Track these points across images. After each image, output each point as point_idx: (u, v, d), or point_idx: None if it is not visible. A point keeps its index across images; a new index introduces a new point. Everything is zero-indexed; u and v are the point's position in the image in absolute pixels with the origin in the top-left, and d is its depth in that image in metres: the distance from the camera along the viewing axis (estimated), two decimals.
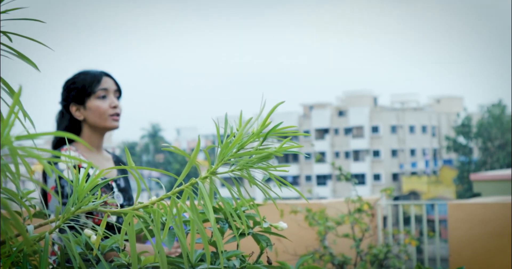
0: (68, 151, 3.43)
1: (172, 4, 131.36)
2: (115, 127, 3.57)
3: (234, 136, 1.92)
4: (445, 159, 78.36)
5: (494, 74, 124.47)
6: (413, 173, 76.18)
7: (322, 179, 77.52)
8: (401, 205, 8.29)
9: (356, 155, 77.08)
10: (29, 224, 1.78)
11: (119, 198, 3.53)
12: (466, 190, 58.89)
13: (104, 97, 3.54)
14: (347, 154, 77.63)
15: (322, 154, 74.79)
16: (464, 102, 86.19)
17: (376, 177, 75.62)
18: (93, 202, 1.74)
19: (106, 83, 3.56)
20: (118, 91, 3.62)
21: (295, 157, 77.61)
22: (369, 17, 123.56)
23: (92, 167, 1.76)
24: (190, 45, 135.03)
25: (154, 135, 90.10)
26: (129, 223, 1.82)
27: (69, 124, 3.57)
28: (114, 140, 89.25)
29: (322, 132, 78.54)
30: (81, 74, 3.56)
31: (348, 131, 77.47)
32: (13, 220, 1.19)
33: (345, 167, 65.08)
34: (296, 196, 11.76)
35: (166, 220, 1.86)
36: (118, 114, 3.58)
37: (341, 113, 78.93)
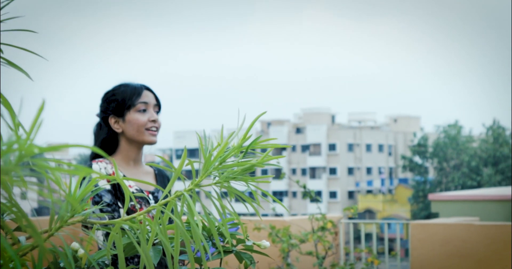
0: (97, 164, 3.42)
1: (131, 13, 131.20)
2: (153, 142, 3.55)
3: (209, 151, 1.94)
4: (400, 178, 78.95)
5: (451, 95, 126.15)
6: (369, 191, 76.64)
7: (278, 196, 77.58)
8: (363, 224, 8.33)
9: (313, 172, 77.34)
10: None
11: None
12: (421, 209, 59.34)
13: (144, 110, 3.51)
14: (303, 171, 77.86)
15: (278, 170, 74.93)
16: (420, 122, 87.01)
17: (332, 194, 75.93)
18: (85, 210, 1.73)
19: (146, 96, 3.52)
20: (158, 106, 3.59)
21: (251, 173, 77.51)
22: (327, 34, 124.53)
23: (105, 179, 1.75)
24: (147, 56, 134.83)
25: None
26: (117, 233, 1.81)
27: (107, 136, 3.55)
28: (71, 152, 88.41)
29: (279, 149, 78.65)
30: (122, 86, 3.54)
31: (305, 148, 77.74)
32: (28, 224, 1.18)
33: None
34: (252, 212, 11.76)
35: (151, 233, 1.86)
36: (156, 129, 3.55)
37: (298, 130, 79.22)
